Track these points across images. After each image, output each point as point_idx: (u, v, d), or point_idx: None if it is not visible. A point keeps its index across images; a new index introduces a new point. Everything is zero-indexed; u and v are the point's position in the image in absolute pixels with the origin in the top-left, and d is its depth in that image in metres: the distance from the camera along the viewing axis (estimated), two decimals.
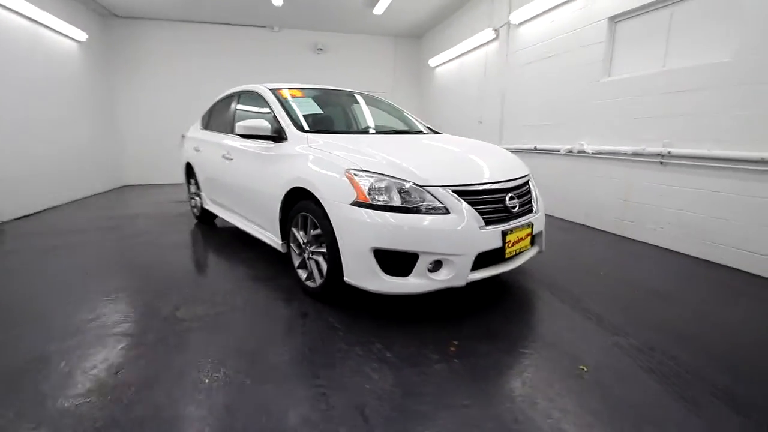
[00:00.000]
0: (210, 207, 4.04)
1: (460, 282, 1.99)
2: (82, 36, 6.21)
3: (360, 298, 2.37)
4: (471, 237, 1.98)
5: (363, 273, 1.99)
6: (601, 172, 4.17)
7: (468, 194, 2.06)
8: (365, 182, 1.98)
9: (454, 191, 2.02)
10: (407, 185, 1.97)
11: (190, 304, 2.35)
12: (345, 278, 2.09)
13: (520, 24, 5.37)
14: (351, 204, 1.98)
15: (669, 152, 3.40)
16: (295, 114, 2.80)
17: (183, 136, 4.86)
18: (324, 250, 2.21)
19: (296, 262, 2.53)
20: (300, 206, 2.37)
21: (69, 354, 1.80)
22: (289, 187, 2.41)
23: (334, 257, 2.13)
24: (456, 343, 1.91)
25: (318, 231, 2.24)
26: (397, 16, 7.64)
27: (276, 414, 1.42)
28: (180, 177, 4.80)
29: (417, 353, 1.82)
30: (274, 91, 3.09)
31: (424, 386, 1.58)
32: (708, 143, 3.13)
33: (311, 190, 2.20)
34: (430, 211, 1.95)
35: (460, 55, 7.26)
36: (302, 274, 2.48)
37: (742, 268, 2.95)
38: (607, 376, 1.67)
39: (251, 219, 3.13)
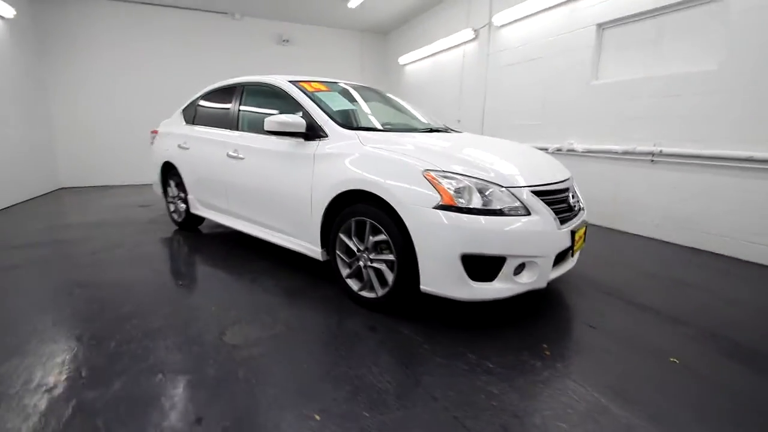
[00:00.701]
0: (200, 211, 3.61)
1: (542, 284, 1.97)
2: (9, 12, 5.19)
3: (426, 306, 2.25)
4: (553, 237, 1.96)
5: (447, 280, 1.88)
6: (592, 170, 4.44)
7: (542, 194, 2.04)
8: (450, 184, 1.87)
9: (532, 192, 1.99)
10: (492, 187, 1.90)
11: (234, 326, 2.05)
12: (422, 287, 1.96)
13: (503, 26, 5.54)
14: (434, 208, 1.86)
15: (661, 151, 3.73)
16: (331, 109, 2.58)
17: (155, 132, 4.29)
18: (390, 257, 2.06)
19: (344, 271, 2.33)
20: (353, 210, 2.18)
21: (115, 408, 1.46)
22: (341, 190, 2.20)
23: (405, 265, 1.98)
24: (545, 346, 1.89)
25: (381, 237, 2.07)
26: (370, 11, 7.48)
27: None
28: (136, 177, 4.28)
29: (517, 361, 1.76)
30: (296, 84, 2.82)
31: (548, 399, 1.52)
32: (699, 143, 3.47)
33: (378, 193, 2.03)
34: (511, 212, 1.90)
35: (433, 54, 7.31)
36: (353, 285, 2.29)
37: (727, 254, 3.33)
38: (699, 364, 1.76)
39: (270, 224, 2.83)
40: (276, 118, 2.45)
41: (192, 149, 3.55)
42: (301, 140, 2.52)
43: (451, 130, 3.27)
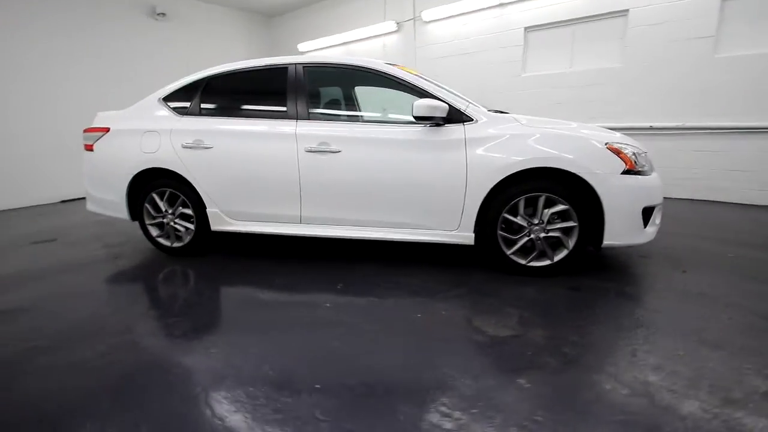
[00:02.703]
0: (233, 226, 2.83)
1: (657, 228, 2.62)
2: None
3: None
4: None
5: (630, 231, 2.30)
6: None
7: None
8: (629, 153, 2.26)
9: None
10: (642, 152, 2.39)
11: (481, 315, 1.93)
12: (605, 241, 2.31)
13: (431, 21, 6.07)
14: (621, 173, 2.23)
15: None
16: (456, 94, 2.53)
17: (95, 131, 2.99)
18: (569, 224, 2.32)
19: (508, 249, 2.44)
20: (527, 187, 2.32)
21: None
22: (515, 170, 2.29)
23: (586, 228, 2.30)
24: (685, 270, 2.55)
25: (559, 208, 2.31)
26: None
27: None
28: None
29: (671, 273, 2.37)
30: (392, 65, 2.60)
31: None
32: (610, 119, 4.86)
33: (565, 167, 2.23)
34: (651, 171, 2.45)
35: (345, 43, 7.26)
36: (519, 259, 2.43)
37: None
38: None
39: (389, 221, 2.57)
40: (425, 103, 2.28)
41: (218, 148, 2.72)
42: (432, 126, 2.42)
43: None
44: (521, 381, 1.48)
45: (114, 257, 3.13)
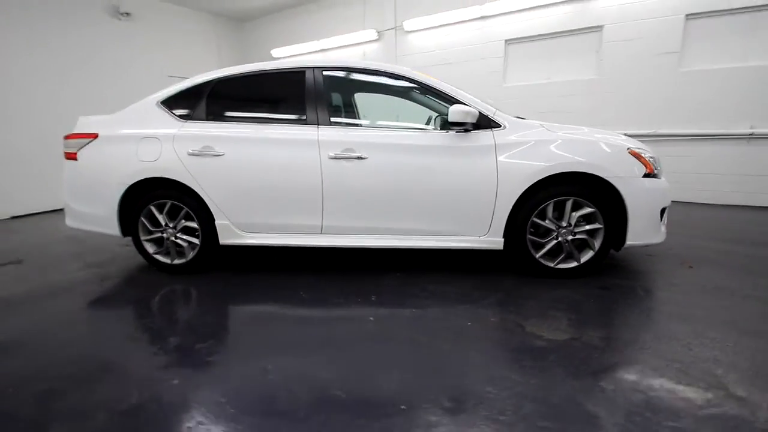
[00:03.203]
0: (245, 239, 2.63)
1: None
2: None
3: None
4: None
5: (649, 231, 2.42)
6: None
7: None
8: (647, 157, 2.39)
9: None
10: (656, 156, 2.54)
11: (532, 319, 1.92)
12: (627, 242, 2.42)
13: (413, 32, 6.15)
14: (642, 177, 2.35)
15: None
16: (481, 101, 2.55)
17: (81, 137, 2.67)
18: (594, 226, 2.40)
19: (537, 252, 2.47)
20: (556, 191, 2.37)
21: None
22: (546, 175, 2.33)
23: (610, 229, 2.39)
24: (691, 266, 2.72)
25: (586, 210, 2.39)
26: None
27: None
28: None
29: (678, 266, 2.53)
30: (411, 71, 2.57)
31: None
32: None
33: (593, 171, 2.31)
34: (660, 175, 2.60)
35: (323, 50, 7.15)
36: (548, 262, 2.48)
37: None
38: None
39: (415, 228, 2.52)
40: (461, 108, 2.29)
41: (231, 155, 2.52)
42: (460, 132, 2.42)
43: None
44: (603, 384, 1.48)
45: (101, 279, 2.78)
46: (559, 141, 2.40)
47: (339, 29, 6.79)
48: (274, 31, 7.66)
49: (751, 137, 4.32)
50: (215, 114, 2.66)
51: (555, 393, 1.44)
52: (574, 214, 2.41)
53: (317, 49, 7.14)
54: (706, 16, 4.36)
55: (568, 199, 2.39)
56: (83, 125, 2.77)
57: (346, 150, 2.45)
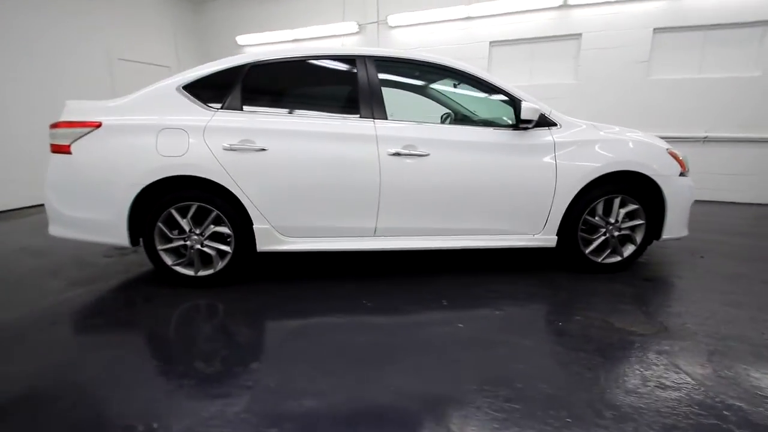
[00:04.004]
0: (289, 245, 2.35)
1: None
2: None
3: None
4: None
5: (680, 225, 2.62)
6: None
7: None
8: (682, 157, 2.57)
9: None
10: (686, 157, 2.75)
11: (613, 315, 1.96)
12: (663, 236, 2.60)
13: (397, 27, 6.04)
14: (679, 175, 2.53)
15: None
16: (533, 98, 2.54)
17: (77, 126, 2.18)
18: (638, 221, 2.55)
19: (587, 249, 2.56)
20: (609, 190, 2.47)
21: None
22: (600, 174, 2.41)
23: (652, 225, 2.56)
24: (702, 256, 3.00)
25: (631, 207, 2.52)
26: None
27: None
28: None
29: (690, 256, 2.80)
30: (470, 66, 2.50)
31: None
32: None
33: (642, 171, 2.43)
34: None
35: (296, 40, 6.73)
36: (595, 258, 2.58)
37: None
38: None
39: (471, 228, 2.46)
40: (531, 106, 2.28)
41: (276, 150, 2.22)
42: (518, 130, 2.41)
43: None
44: (744, 367, 1.56)
45: (99, 300, 2.29)
46: (611, 140, 2.50)
47: (315, 19, 6.45)
48: (240, 16, 7.04)
49: (705, 140, 4.95)
50: (252, 103, 2.33)
51: (724, 387, 1.47)
52: (621, 210, 2.53)
53: (290, 39, 6.71)
54: (669, 31, 4.89)
55: (617, 197, 2.51)
56: (76, 111, 2.26)
57: (407, 146, 2.30)
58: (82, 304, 2.24)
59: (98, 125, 2.19)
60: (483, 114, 2.72)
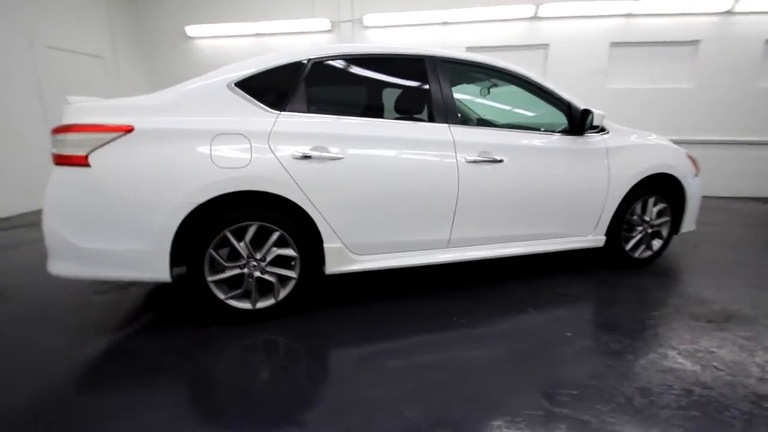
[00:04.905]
0: (363, 264, 2.11)
1: None
2: None
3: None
4: None
5: (692, 221, 2.93)
6: None
7: None
8: (695, 160, 2.88)
9: None
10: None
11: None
12: (681, 230, 2.88)
13: (372, 27, 5.87)
14: (694, 176, 2.82)
15: None
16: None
17: (98, 129, 1.69)
18: (666, 218, 2.79)
19: (629, 245, 2.73)
20: (646, 191, 2.66)
21: None
22: (643, 176, 2.60)
23: (673, 221, 2.83)
24: (695, 246, 3.39)
25: (662, 206, 2.76)
26: None
27: None
28: None
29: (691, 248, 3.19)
30: (531, 73, 2.50)
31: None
32: None
33: (671, 172, 2.67)
34: None
35: (258, 35, 6.18)
36: (632, 253, 2.77)
37: None
38: None
39: (533, 233, 2.47)
40: (601, 113, 2.37)
41: (352, 158, 1.96)
42: (575, 135, 2.48)
43: None
44: None
45: (137, 353, 1.80)
46: (651, 146, 2.70)
47: (282, 13, 5.98)
48: (189, 4, 6.22)
49: None
50: (318, 104, 2.04)
51: None
52: (654, 209, 2.76)
53: (252, 33, 6.14)
54: (623, 45, 5.51)
55: (651, 197, 2.72)
56: (88, 111, 1.74)
57: (483, 152, 2.22)
58: (118, 364, 1.72)
59: (129, 129, 1.72)
60: (539, 120, 2.76)
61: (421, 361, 1.74)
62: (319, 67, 2.07)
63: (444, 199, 2.19)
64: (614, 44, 5.52)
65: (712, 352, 1.77)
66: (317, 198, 1.95)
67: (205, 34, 6.23)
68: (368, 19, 5.82)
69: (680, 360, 1.72)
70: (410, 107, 2.25)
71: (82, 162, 1.69)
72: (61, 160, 1.71)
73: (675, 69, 5.48)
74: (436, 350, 1.82)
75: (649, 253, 2.84)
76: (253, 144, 1.85)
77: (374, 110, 2.26)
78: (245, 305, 1.99)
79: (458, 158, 2.17)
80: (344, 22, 5.95)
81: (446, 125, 2.20)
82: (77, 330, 1.98)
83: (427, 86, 2.21)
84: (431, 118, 2.19)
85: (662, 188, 2.74)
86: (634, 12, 5.33)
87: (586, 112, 2.41)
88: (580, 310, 2.23)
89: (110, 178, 1.72)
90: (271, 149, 1.87)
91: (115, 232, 1.75)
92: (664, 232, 2.85)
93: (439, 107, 2.21)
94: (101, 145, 1.70)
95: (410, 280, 2.56)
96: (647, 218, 2.76)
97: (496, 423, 1.34)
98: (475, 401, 1.45)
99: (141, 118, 1.76)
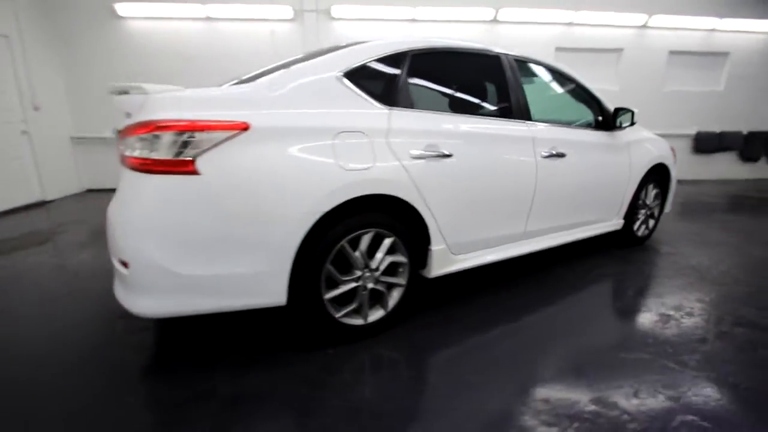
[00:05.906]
0: (460, 263, 2.09)
1: None
2: None
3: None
4: None
5: (670, 203, 3.49)
6: None
7: None
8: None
9: None
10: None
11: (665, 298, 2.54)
12: (665, 210, 3.42)
13: (339, 19, 5.62)
14: (674, 164, 3.36)
15: None
16: None
17: (198, 128, 1.37)
18: (658, 201, 3.28)
19: (635, 226, 3.15)
20: (648, 179, 3.09)
21: None
22: (651, 165, 3.02)
23: (661, 205, 3.35)
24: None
25: (656, 190, 3.24)
26: None
27: None
28: None
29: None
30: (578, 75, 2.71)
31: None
32: None
33: (665, 162, 3.15)
34: None
35: (208, 18, 5.45)
36: (638, 232, 3.21)
37: None
38: None
39: (575, 222, 2.69)
40: (636, 111, 2.61)
41: (460, 156, 1.90)
42: (602, 131, 2.77)
43: None
44: None
45: (254, 396, 1.49)
46: (653, 139, 3.13)
47: None
48: None
49: None
50: (420, 99, 1.91)
51: None
52: (653, 194, 3.22)
53: (201, 16, 5.39)
54: (566, 51, 6.22)
55: (651, 184, 3.17)
56: (183, 105, 1.37)
57: (552, 148, 2.35)
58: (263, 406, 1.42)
59: (245, 127, 1.41)
60: (573, 116, 2.97)
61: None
62: (419, 59, 1.95)
63: (526, 193, 2.27)
64: (559, 49, 6.20)
65: None
66: (431, 199, 1.86)
67: (139, 14, 5.28)
68: (336, 11, 5.57)
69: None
70: (496, 104, 2.26)
71: (188, 169, 1.35)
72: (153, 167, 1.33)
73: (606, 73, 6.39)
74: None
75: (647, 231, 3.32)
76: (373, 142, 1.67)
77: (469, 107, 2.21)
78: (358, 321, 1.81)
79: (536, 153, 2.26)
80: (309, 11, 5.60)
81: (523, 121, 2.27)
82: (146, 370, 1.57)
83: (506, 84, 2.25)
84: (513, 116, 2.24)
85: (658, 176, 3.22)
86: (575, 21, 6.05)
87: (618, 110, 2.70)
88: (631, 282, 2.53)
89: (223, 187, 1.40)
90: (390, 148, 1.71)
91: (225, 254, 1.44)
92: (656, 212, 3.35)
93: (518, 105, 2.27)
94: (209, 148, 1.37)
95: (475, 277, 2.59)
96: (647, 202, 3.22)
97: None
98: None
99: (256, 112, 1.45)
